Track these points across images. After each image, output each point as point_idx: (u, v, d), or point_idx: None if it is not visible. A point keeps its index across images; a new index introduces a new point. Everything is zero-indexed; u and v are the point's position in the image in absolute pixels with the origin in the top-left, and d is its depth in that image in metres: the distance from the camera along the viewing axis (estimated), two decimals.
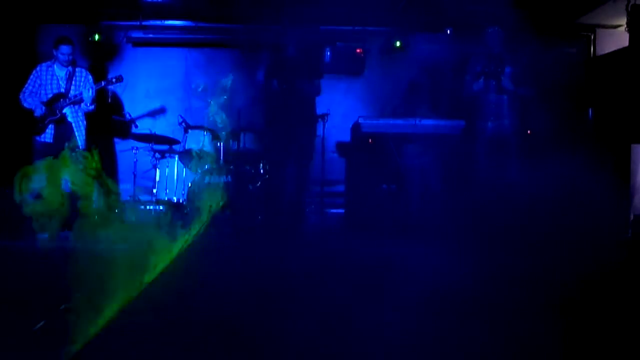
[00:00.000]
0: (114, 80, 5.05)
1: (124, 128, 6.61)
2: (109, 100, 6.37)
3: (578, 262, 3.79)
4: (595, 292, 3.14)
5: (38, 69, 5.03)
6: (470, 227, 4.69)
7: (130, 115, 6.43)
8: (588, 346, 2.42)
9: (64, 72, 5.01)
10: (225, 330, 2.45)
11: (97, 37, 6.51)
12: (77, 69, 5.07)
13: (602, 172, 5.07)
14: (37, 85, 4.99)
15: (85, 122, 5.06)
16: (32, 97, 4.96)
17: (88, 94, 4.87)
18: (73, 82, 4.99)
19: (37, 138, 4.95)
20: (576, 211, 4.86)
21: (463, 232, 4.63)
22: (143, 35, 6.79)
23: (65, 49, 4.94)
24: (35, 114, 4.90)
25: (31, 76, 5.02)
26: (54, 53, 4.98)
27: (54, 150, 4.94)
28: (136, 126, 6.18)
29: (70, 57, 4.99)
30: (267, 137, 5.54)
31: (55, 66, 5.02)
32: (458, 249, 4.23)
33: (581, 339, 2.48)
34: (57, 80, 5.00)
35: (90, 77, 5.09)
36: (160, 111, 6.57)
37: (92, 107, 4.97)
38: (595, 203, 4.87)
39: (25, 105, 4.97)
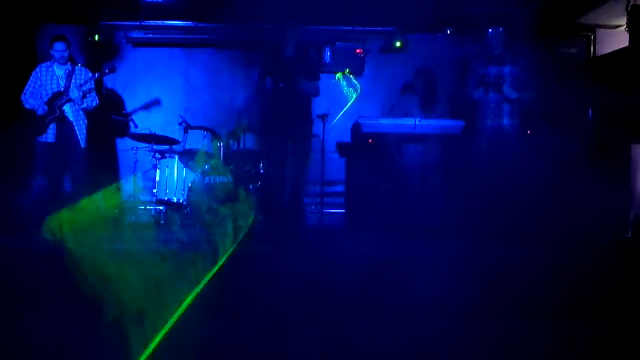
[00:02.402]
0: (107, 71, 5.08)
1: (123, 127, 6.60)
2: (103, 91, 6.36)
3: (578, 262, 3.79)
4: (595, 292, 3.14)
5: (38, 69, 5.05)
6: (470, 227, 4.69)
7: (126, 111, 6.43)
8: (588, 345, 2.42)
9: (63, 71, 5.02)
10: (222, 331, 2.45)
11: (97, 37, 6.50)
12: (76, 68, 5.08)
13: (602, 172, 5.07)
14: (37, 86, 5.00)
15: (86, 121, 5.07)
16: (34, 97, 4.98)
17: (75, 94, 4.88)
18: (73, 80, 4.99)
19: (39, 138, 4.95)
20: (576, 211, 4.86)
21: (463, 232, 4.63)
22: (143, 35, 6.78)
23: (59, 46, 4.96)
24: (37, 114, 4.90)
25: (31, 77, 5.04)
26: (50, 52, 5.01)
27: (56, 150, 4.95)
28: (136, 126, 6.17)
29: (66, 54, 5.00)
30: (264, 137, 5.54)
31: (54, 66, 5.03)
32: (458, 248, 4.23)
33: (581, 338, 2.48)
34: (57, 80, 5.00)
35: (90, 73, 5.10)
36: (155, 103, 6.53)
37: (85, 104, 4.98)
38: (596, 203, 4.87)
39: (27, 105, 4.98)
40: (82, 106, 4.99)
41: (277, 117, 4.98)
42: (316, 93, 5.18)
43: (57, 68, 5.02)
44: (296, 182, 5.01)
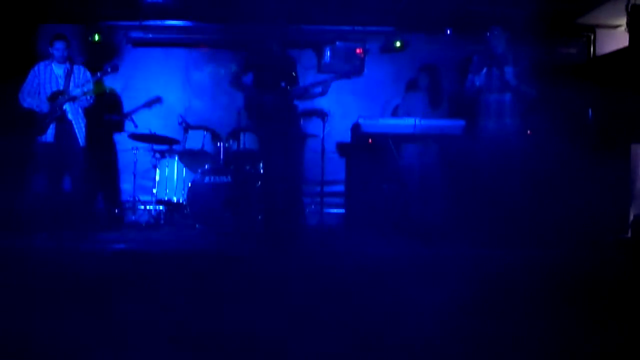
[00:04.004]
0: (109, 69, 5.04)
1: (120, 127, 6.59)
2: (107, 91, 6.36)
3: (578, 262, 3.79)
4: (595, 292, 3.14)
5: (36, 68, 5.04)
6: (470, 227, 4.69)
7: (126, 111, 6.42)
8: (588, 346, 2.41)
9: (62, 70, 5.02)
10: (223, 331, 2.44)
11: (97, 37, 6.51)
12: (75, 66, 5.08)
13: (602, 172, 5.07)
14: (35, 84, 4.99)
15: (85, 120, 5.07)
16: (32, 97, 4.97)
17: (77, 92, 4.89)
18: (72, 79, 4.99)
19: (39, 138, 4.95)
20: (576, 211, 4.86)
21: (463, 232, 4.63)
22: (143, 35, 6.78)
23: (59, 44, 4.96)
24: (40, 113, 4.90)
25: (29, 75, 5.03)
26: (50, 51, 5.01)
27: (55, 150, 4.95)
28: (136, 126, 6.17)
29: (66, 53, 5.00)
30: (257, 137, 5.52)
31: (53, 65, 5.02)
32: (458, 248, 4.23)
33: (581, 338, 2.48)
34: (56, 79, 5.00)
35: (88, 73, 5.09)
36: (156, 101, 6.50)
37: (85, 102, 4.98)
38: (596, 203, 4.87)
39: (25, 105, 4.98)
40: (84, 104, 4.99)
41: (264, 118, 4.92)
42: (302, 97, 5.09)
43: (56, 67, 5.02)
44: (290, 182, 4.97)
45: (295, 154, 4.96)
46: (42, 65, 5.05)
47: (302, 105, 5.43)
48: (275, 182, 4.88)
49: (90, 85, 5.01)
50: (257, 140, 5.62)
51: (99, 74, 5.06)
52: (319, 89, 4.98)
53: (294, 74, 5.00)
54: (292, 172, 4.94)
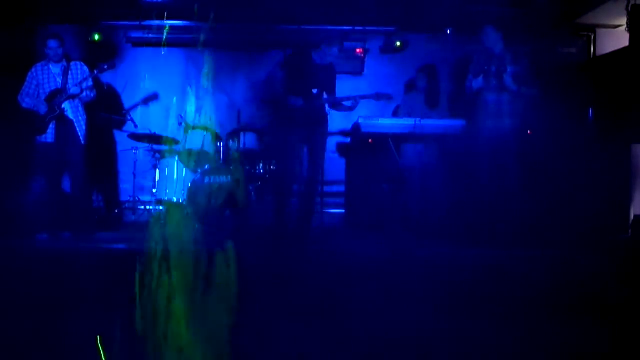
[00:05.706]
0: (106, 67, 5.03)
1: (120, 126, 6.58)
2: (105, 88, 6.36)
3: (578, 262, 3.79)
4: (595, 292, 3.14)
5: (33, 69, 5.03)
6: (470, 227, 4.69)
7: (125, 109, 6.42)
8: (588, 345, 2.42)
9: (59, 68, 5.01)
10: (224, 329, 2.44)
11: (97, 37, 6.51)
12: (72, 63, 5.06)
13: (602, 172, 5.07)
14: (33, 86, 4.99)
15: (85, 117, 5.06)
16: (31, 98, 4.97)
17: (75, 90, 4.88)
18: (70, 77, 4.98)
19: (38, 138, 4.94)
20: (576, 211, 4.86)
21: (463, 232, 4.63)
22: (143, 35, 6.78)
23: (52, 43, 4.95)
24: (39, 113, 4.90)
25: (27, 77, 5.02)
26: (45, 51, 5.01)
27: (55, 150, 4.94)
28: (136, 126, 6.17)
29: (60, 51, 4.99)
30: (277, 137, 5.46)
31: (50, 65, 5.02)
32: (458, 248, 4.23)
33: (581, 338, 2.48)
34: (54, 78, 4.99)
35: (86, 68, 5.08)
36: (153, 97, 6.48)
37: (85, 95, 4.96)
38: (595, 203, 4.87)
39: (25, 106, 4.97)
40: (82, 95, 4.97)
41: (294, 117, 4.85)
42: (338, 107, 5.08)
43: (52, 66, 5.01)
44: (310, 184, 4.93)
45: (317, 158, 4.91)
46: (39, 66, 5.04)
47: None
48: (287, 183, 4.86)
49: (90, 82, 5.01)
50: (270, 140, 5.57)
51: (96, 72, 5.05)
52: (349, 103, 4.98)
53: (331, 83, 4.98)
54: (312, 176, 4.91)
